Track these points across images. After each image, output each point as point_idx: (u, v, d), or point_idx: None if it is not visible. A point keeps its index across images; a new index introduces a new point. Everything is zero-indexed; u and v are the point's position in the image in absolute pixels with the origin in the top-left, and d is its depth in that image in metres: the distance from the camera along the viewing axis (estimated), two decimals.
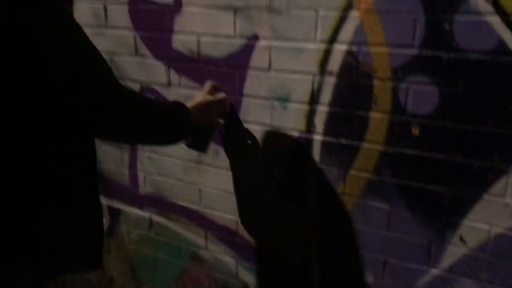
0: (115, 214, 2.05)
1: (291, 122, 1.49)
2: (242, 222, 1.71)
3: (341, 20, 1.32)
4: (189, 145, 1.54)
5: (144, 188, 1.92)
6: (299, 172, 1.53)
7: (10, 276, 1.06)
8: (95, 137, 1.14)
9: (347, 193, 1.46)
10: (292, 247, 1.63)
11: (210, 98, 1.45)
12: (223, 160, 1.67)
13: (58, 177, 1.06)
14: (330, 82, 1.39)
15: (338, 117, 1.41)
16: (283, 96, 1.48)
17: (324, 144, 1.45)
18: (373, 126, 1.36)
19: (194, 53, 1.60)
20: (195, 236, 1.86)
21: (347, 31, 1.32)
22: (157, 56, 1.69)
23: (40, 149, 1.02)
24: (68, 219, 1.10)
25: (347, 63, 1.35)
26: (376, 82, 1.32)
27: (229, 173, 1.67)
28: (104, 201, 2.04)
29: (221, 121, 1.57)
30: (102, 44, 1.72)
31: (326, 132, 1.44)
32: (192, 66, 1.62)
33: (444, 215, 1.33)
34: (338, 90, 1.38)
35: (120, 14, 1.70)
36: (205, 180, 1.74)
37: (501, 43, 1.14)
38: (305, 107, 1.45)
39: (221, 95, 1.50)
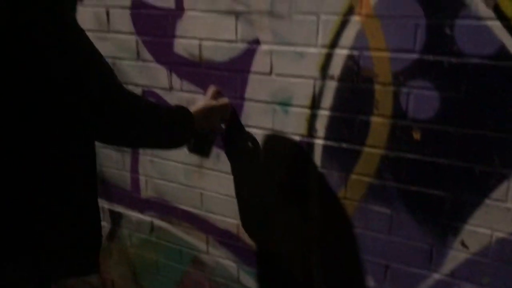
0: (116, 218, 2.05)
1: (293, 126, 1.49)
2: (243, 226, 1.71)
3: (342, 25, 1.32)
4: (192, 150, 1.55)
5: (146, 192, 1.92)
6: (300, 176, 1.53)
7: (10, 276, 1.06)
8: (95, 138, 1.13)
9: (348, 197, 1.46)
10: (293, 251, 1.63)
11: (213, 103, 1.46)
12: (225, 164, 1.67)
13: (58, 177, 1.06)
14: (331, 86, 1.39)
15: (339, 121, 1.41)
16: (284, 100, 1.48)
17: (325, 148, 1.46)
18: (374, 131, 1.36)
19: (196, 58, 1.60)
20: (196, 240, 1.86)
21: (348, 35, 1.32)
22: (159, 60, 1.69)
23: (40, 149, 1.01)
24: (66, 219, 1.10)
25: (348, 68, 1.35)
26: (377, 87, 1.32)
27: (231, 177, 1.68)
28: (105, 204, 2.04)
29: (223, 126, 1.57)
30: (104, 48, 1.70)
31: (327, 137, 1.44)
32: (193, 70, 1.62)
33: (445, 220, 1.33)
34: (339, 95, 1.39)
35: (122, 18, 1.71)
36: (206, 184, 1.74)
37: (502, 48, 1.14)
38: (306, 111, 1.45)
39: (223, 100, 1.51)
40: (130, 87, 1.75)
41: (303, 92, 1.44)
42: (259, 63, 1.48)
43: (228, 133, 1.61)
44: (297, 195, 1.55)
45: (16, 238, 1.04)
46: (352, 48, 1.33)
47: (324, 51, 1.37)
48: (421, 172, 1.32)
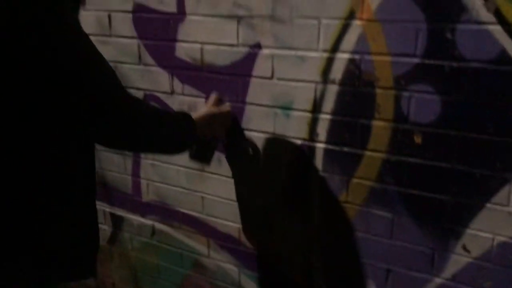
0: (117, 221, 2.05)
1: (294, 130, 1.49)
2: (244, 229, 1.71)
3: (344, 29, 1.32)
4: (193, 156, 1.55)
5: (147, 195, 1.92)
6: (301, 180, 1.53)
7: (10, 276, 1.06)
8: (96, 140, 1.12)
9: (350, 201, 1.46)
10: (295, 255, 1.63)
11: (215, 110, 1.47)
12: (226, 168, 1.67)
13: (57, 178, 1.06)
14: (332, 90, 1.39)
15: (340, 125, 1.41)
16: (285, 104, 1.48)
17: (326, 152, 1.46)
18: (375, 135, 1.36)
19: (198, 62, 1.61)
20: (197, 244, 1.85)
21: (350, 40, 1.32)
22: (161, 64, 1.69)
23: (40, 150, 1.01)
24: (66, 219, 1.09)
25: (349, 72, 1.35)
26: (378, 91, 1.32)
27: (232, 181, 1.68)
28: (107, 208, 2.04)
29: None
30: (106, 52, 1.69)
31: (328, 140, 1.44)
32: (195, 74, 1.63)
33: (447, 224, 1.33)
34: (340, 99, 1.39)
35: (124, 22, 1.71)
36: (208, 188, 1.75)
37: (503, 52, 1.14)
38: (307, 115, 1.45)
39: (225, 107, 1.51)
40: (132, 91, 1.75)
41: (304, 96, 1.44)
42: (261, 67, 1.49)
43: (230, 141, 1.62)
44: (298, 199, 1.55)
45: (15, 238, 1.04)
46: (354, 52, 1.33)
47: (325, 55, 1.37)
48: (422, 176, 1.32)
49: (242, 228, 1.71)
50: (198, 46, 1.59)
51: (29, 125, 0.98)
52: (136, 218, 1.99)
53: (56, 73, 0.94)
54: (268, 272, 1.72)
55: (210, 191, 1.74)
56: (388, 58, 1.28)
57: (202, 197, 1.77)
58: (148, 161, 1.86)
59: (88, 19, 1.78)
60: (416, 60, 1.25)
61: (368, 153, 1.39)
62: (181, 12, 1.58)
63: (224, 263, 1.81)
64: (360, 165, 1.41)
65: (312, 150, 1.48)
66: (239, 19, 1.48)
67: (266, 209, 1.63)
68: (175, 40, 1.62)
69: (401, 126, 1.32)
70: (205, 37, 1.56)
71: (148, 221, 1.96)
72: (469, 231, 1.30)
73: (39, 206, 1.05)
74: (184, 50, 1.62)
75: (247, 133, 1.58)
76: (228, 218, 1.73)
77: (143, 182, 1.91)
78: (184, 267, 1.93)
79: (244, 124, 1.58)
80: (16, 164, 1.00)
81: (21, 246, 1.06)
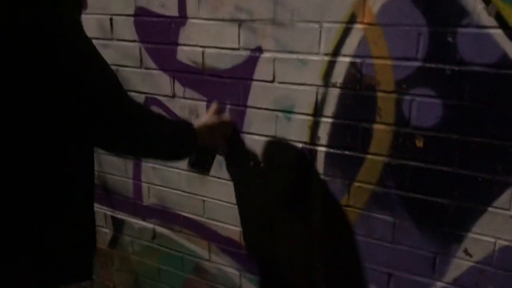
0: (118, 224, 2.05)
1: (295, 134, 1.49)
2: (245, 233, 1.70)
3: (345, 33, 1.33)
4: (193, 165, 1.55)
5: (148, 199, 1.92)
6: (303, 184, 1.52)
7: (10, 276, 1.06)
8: (96, 142, 1.13)
9: (351, 205, 1.46)
10: (296, 259, 1.62)
11: (216, 119, 1.47)
12: (227, 171, 1.67)
13: (56, 178, 1.06)
14: (334, 94, 1.39)
15: (342, 129, 1.41)
16: (287, 107, 1.48)
17: (328, 155, 1.46)
18: (377, 138, 1.36)
19: (199, 65, 1.61)
20: (198, 248, 1.85)
21: (351, 43, 1.33)
22: (162, 68, 1.70)
23: (40, 150, 1.01)
24: (65, 220, 1.10)
25: (351, 76, 1.35)
26: (379, 94, 1.32)
27: (233, 184, 1.67)
28: (108, 211, 2.04)
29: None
30: (107, 56, 1.70)
31: (330, 144, 1.44)
32: (196, 78, 1.63)
33: (448, 228, 1.33)
34: (342, 102, 1.39)
35: (125, 26, 1.72)
36: (208, 191, 1.74)
37: (504, 56, 1.14)
38: (309, 119, 1.45)
39: (226, 117, 1.52)
40: (133, 95, 1.76)
41: (305, 99, 1.44)
42: (262, 70, 1.49)
43: (230, 150, 1.62)
44: (300, 202, 1.55)
45: (15, 238, 1.04)
46: (355, 56, 1.33)
47: (326, 58, 1.37)
48: (424, 179, 1.32)
49: (243, 231, 1.71)
50: (199, 49, 1.59)
51: (29, 125, 0.98)
52: (137, 222, 1.98)
53: (56, 73, 0.94)
54: (269, 276, 1.71)
55: (211, 194, 1.74)
56: (389, 62, 1.29)
57: (203, 201, 1.77)
58: (149, 164, 1.86)
59: (89, 23, 1.78)
60: (417, 64, 1.25)
61: (369, 156, 1.39)
62: (183, 16, 1.58)
63: (225, 266, 1.81)
64: (362, 169, 1.41)
65: (314, 153, 1.48)
66: (240, 22, 1.48)
67: (267, 212, 1.63)
68: (176, 43, 1.63)
69: (402, 129, 1.32)
70: (206, 40, 1.56)
71: (149, 225, 1.95)
72: (470, 235, 1.30)
73: (38, 207, 1.05)
74: (186, 53, 1.62)
75: (248, 138, 1.58)
76: (229, 222, 1.73)
77: (144, 186, 1.91)
78: (185, 270, 1.92)
79: (245, 128, 1.58)
80: (16, 164, 1.00)
81: (21, 246, 1.06)
